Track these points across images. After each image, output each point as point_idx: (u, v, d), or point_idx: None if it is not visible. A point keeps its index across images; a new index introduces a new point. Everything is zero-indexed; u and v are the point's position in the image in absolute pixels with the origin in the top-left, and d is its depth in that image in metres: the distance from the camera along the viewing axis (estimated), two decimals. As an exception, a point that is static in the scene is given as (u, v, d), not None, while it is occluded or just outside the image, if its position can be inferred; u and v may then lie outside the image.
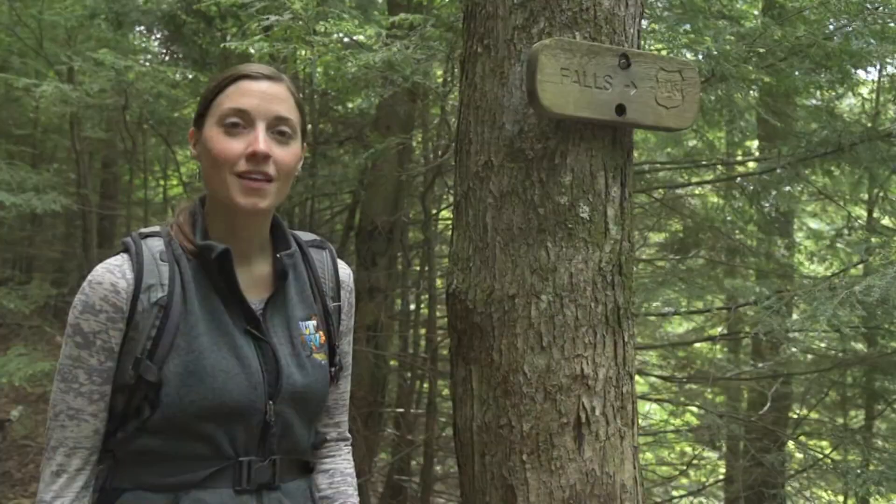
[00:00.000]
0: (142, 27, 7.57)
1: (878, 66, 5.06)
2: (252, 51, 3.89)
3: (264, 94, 1.52)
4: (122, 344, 1.46)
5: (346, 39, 4.54)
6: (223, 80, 1.55)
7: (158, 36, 8.05)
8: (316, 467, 1.71)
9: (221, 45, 5.25)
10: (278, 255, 1.59)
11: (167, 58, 7.58)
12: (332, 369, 1.65)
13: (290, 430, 1.56)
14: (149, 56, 9.11)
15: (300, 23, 3.78)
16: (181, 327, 1.46)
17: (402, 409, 6.61)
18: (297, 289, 1.63)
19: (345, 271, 1.74)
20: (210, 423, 1.46)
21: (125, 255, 1.51)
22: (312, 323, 1.62)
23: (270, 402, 1.51)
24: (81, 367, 1.46)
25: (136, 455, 1.48)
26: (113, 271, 1.47)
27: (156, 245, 1.52)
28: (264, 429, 1.51)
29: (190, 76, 6.82)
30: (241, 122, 1.50)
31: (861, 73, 4.36)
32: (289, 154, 1.53)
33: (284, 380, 1.52)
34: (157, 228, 1.57)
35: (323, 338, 1.63)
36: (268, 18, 3.83)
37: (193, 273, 1.51)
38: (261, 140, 1.49)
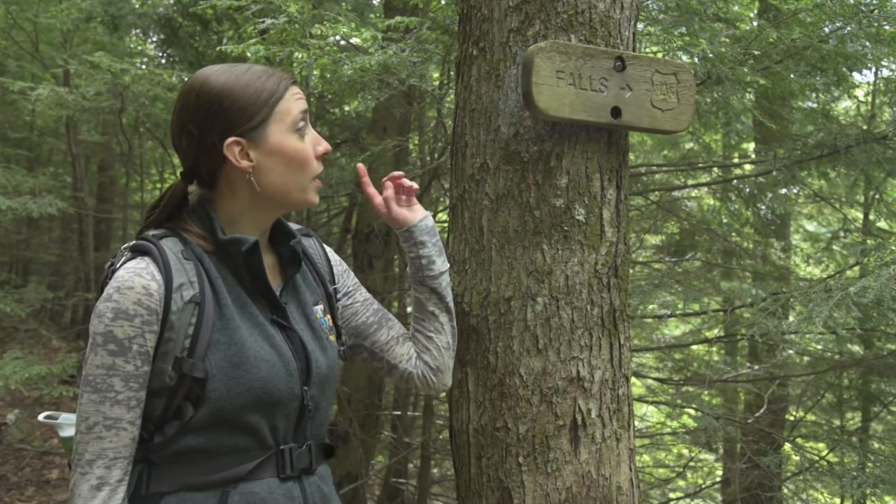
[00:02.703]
0: (138, 30, 7.57)
1: (873, 69, 5.07)
2: (248, 54, 3.88)
3: (303, 95, 1.61)
4: (156, 346, 1.46)
5: (342, 42, 4.54)
6: (279, 86, 1.55)
7: (154, 39, 8.05)
8: (414, 338, 1.82)
9: (217, 49, 5.25)
10: (290, 244, 1.64)
11: (163, 61, 7.59)
12: (341, 349, 1.73)
13: (319, 414, 1.61)
14: (145, 59, 9.11)
15: (296, 26, 3.78)
16: (216, 323, 1.48)
17: (398, 412, 6.62)
18: (302, 276, 1.69)
19: (330, 251, 1.84)
20: (255, 413, 1.48)
21: (147, 258, 1.49)
22: (320, 307, 1.68)
23: (305, 388, 1.56)
24: (117, 375, 1.43)
25: (174, 457, 1.47)
26: (141, 274, 1.45)
27: (173, 244, 1.52)
28: (301, 414, 1.56)
29: (186, 79, 6.82)
30: (305, 124, 1.57)
31: (857, 75, 4.37)
32: None
33: (314, 364, 1.58)
34: (163, 230, 1.56)
35: (331, 320, 1.70)
36: (264, 21, 3.83)
37: (217, 268, 1.53)
38: (321, 138, 1.61)
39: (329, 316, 1.70)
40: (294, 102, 1.56)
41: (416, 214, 1.78)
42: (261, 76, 1.55)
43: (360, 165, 1.82)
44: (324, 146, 1.60)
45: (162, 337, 1.45)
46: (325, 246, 1.83)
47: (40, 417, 1.60)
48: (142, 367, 1.44)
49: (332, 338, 1.68)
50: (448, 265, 1.81)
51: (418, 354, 1.78)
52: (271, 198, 1.58)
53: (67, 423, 1.63)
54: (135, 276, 1.45)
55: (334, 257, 1.83)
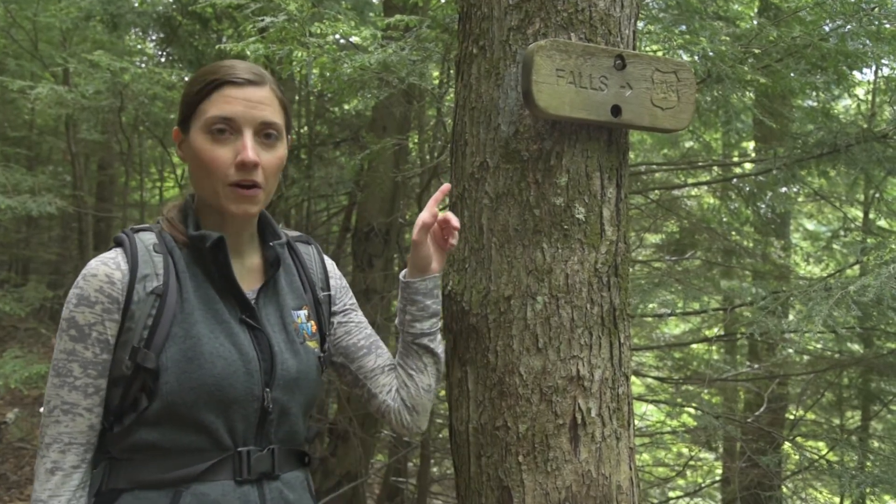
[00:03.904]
0: (137, 29, 7.56)
1: (873, 68, 5.07)
2: (248, 52, 3.88)
3: (249, 100, 1.53)
4: (117, 335, 1.47)
5: (341, 41, 4.54)
6: (206, 84, 1.54)
7: (154, 38, 8.04)
8: (398, 373, 1.78)
9: (217, 47, 5.24)
10: (270, 244, 1.63)
11: (163, 59, 7.58)
12: (321, 356, 1.69)
13: (286, 418, 1.58)
14: (144, 58, 9.10)
15: (295, 24, 3.78)
16: (177, 316, 1.48)
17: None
18: (287, 280, 1.68)
19: (330, 262, 1.83)
20: (209, 412, 1.47)
21: (118, 249, 1.53)
22: (304, 312, 1.67)
23: (267, 389, 1.53)
24: (76, 361, 1.46)
25: (132, 452, 1.47)
26: (107, 263, 1.49)
27: (148, 238, 1.55)
28: (262, 417, 1.53)
29: (186, 78, 6.82)
30: (227, 128, 1.52)
31: (857, 74, 4.37)
32: (275, 157, 1.57)
33: (279, 366, 1.55)
34: (147, 224, 1.60)
35: (314, 326, 1.69)
36: (263, 20, 3.82)
37: (187, 264, 1.54)
38: (249, 149, 1.50)
39: (313, 322, 1.69)
40: (217, 104, 1.51)
41: (432, 268, 1.75)
42: (209, 73, 1.55)
43: (447, 186, 1.78)
44: (242, 156, 1.49)
45: (123, 326, 1.47)
46: (326, 257, 1.83)
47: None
48: (100, 355, 1.47)
49: (313, 344, 1.66)
50: (436, 327, 1.78)
51: (397, 388, 1.77)
52: (202, 195, 1.59)
53: None
54: (100, 265, 1.48)
55: (334, 271, 1.83)
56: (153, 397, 1.45)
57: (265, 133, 1.55)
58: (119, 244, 1.54)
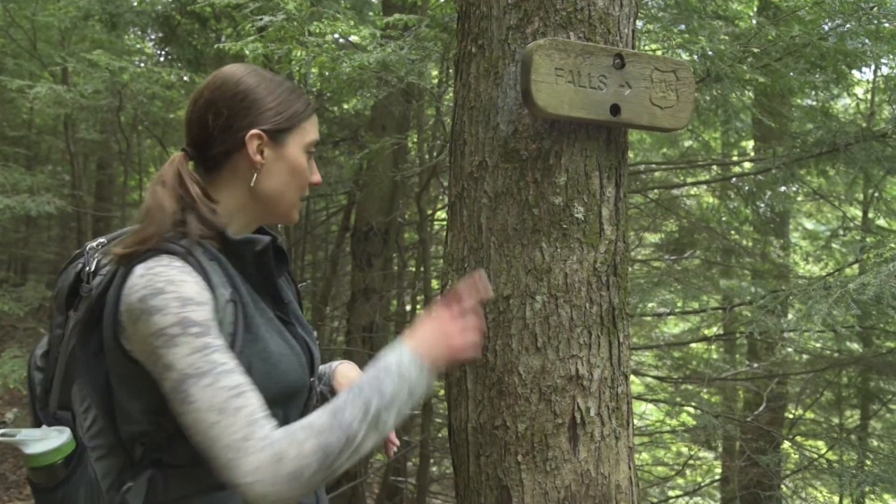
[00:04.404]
0: (136, 28, 7.55)
1: (873, 67, 5.07)
2: (247, 52, 3.88)
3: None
4: None
5: (340, 40, 4.53)
6: (307, 106, 1.64)
7: (153, 37, 8.03)
8: None
9: (216, 46, 5.24)
10: (278, 243, 1.65)
11: (162, 59, 7.58)
12: None
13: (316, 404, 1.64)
14: (143, 57, 9.09)
15: (294, 23, 3.78)
16: (244, 320, 1.48)
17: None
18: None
19: None
20: (276, 408, 1.46)
21: (176, 258, 1.44)
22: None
23: (313, 379, 1.61)
24: (215, 350, 1.36)
25: (193, 458, 1.41)
26: (185, 272, 1.41)
27: (190, 246, 1.49)
28: (307, 405, 1.60)
29: (185, 77, 6.81)
30: (313, 151, 1.66)
31: (856, 73, 4.37)
32: None
33: (315, 356, 1.63)
34: (171, 233, 1.50)
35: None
36: (262, 19, 3.82)
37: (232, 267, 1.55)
38: (317, 171, 1.69)
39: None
40: (313, 128, 1.64)
41: None
42: (294, 91, 1.64)
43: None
44: (317, 177, 1.67)
45: None
46: None
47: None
48: (224, 342, 1.40)
49: None
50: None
51: None
52: (263, 200, 1.59)
53: (32, 439, 1.47)
54: (179, 273, 1.40)
55: None
56: None
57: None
58: (173, 253, 1.45)
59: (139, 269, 1.41)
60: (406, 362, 1.46)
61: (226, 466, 1.32)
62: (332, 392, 1.77)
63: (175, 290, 1.37)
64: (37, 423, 1.56)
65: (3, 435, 1.45)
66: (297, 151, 1.61)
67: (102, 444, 1.50)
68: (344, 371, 1.84)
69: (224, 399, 1.33)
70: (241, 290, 1.50)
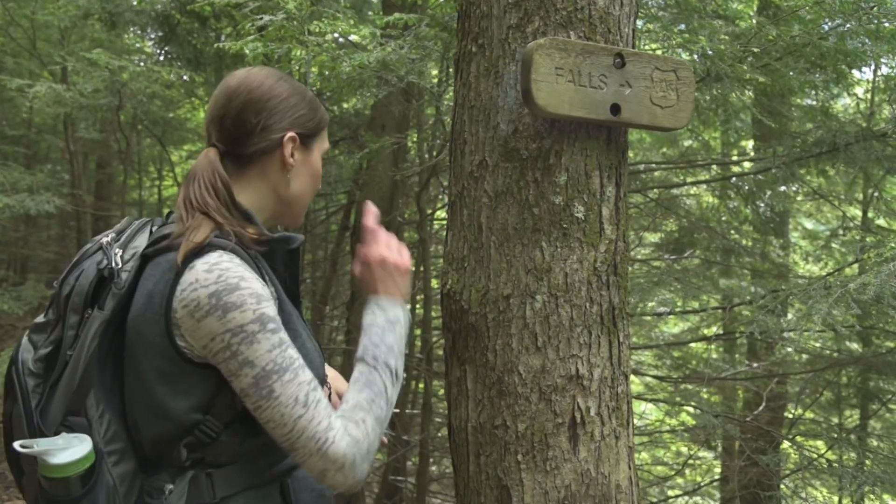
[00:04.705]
0: (136, 27, 7.55)
1: (872, 66, 5.07)
2: (246, 51, 3.87)
3: None
4: None
5: (340, 39, 4.53)
6: (326, 115, 1.73)
7: (152, 36, 8.03)
8: None
9: (216, 46, 5.24)
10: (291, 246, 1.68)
11: (161, 58, 7.57)
12: None
13: None
14: (143, 56, 9.09)
15: (294, 23, 3.77)
16: (282, 316, 1.48)
17: (397, 410, 6.61)
18: None
19: None
20: None
21: (230, 254, 1.45)
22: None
23: (326, 375, 1.66)
24: (289, 346, 1.43)
25: (238, 457, 1.47)
26: (245, 266, 1.45)
27: (227, 243, 1.49)
28: None
29: (184, 76, 6.81)
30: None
31: (856, 73, 4.37)
32: None
33: (324, 353, 1.69)
34: (208, 231, 1.48)
35: None
36: (262, 18, 3.82)
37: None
38: None
39: None
40: (327, 136, 1.73)
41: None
42: (314, 99, 1.71)
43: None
44: (320, 185, 1.75)
45: None
46: None
47: (16, 445, 1.37)
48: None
49: None
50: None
51: None
52: (286, 201, 1.66)
53: (56, 448, 1.39)
54: (241, 268, 1.43)
55: None
56: None
57: None
58: (226, 249, 1.45)
59: (201, 265, 1.41)
60: (390, 312, 1.63)
61: (315, 455, 1.40)
62: None
63: (248, 286, 1.40)
64: (32, 434, 1.47)
65: (22, 446, 1.40)
66: (318, 157, 1.69)
67: (117, 450, 1.47)
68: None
69: (305, 393, 1.41)
70: (277, 286, 1.54)
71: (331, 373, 1.87)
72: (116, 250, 1.53)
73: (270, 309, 1.41)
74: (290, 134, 1.61)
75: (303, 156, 1.65)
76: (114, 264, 1.50)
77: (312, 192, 1.71)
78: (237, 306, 1.38)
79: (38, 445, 1.40)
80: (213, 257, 1.42)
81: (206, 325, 1.38)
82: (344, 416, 1.45)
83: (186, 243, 1.44)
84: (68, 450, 1.39)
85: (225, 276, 1.39)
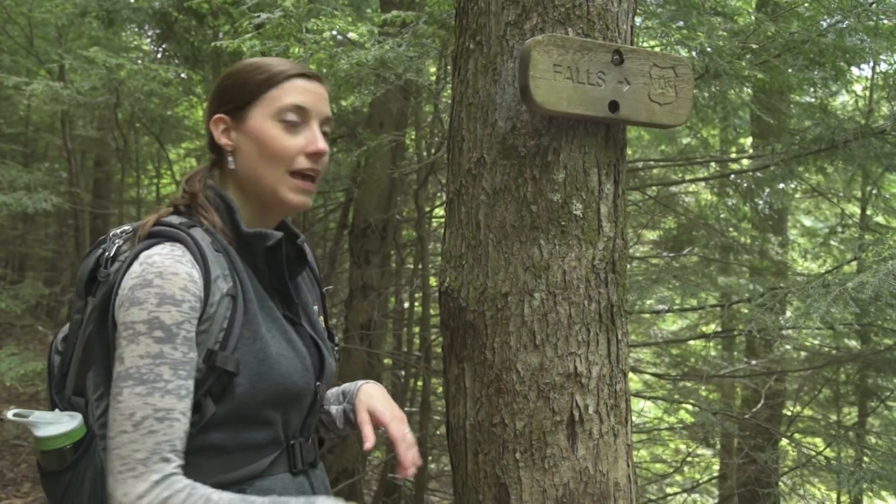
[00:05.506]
0: (133, 25, 7.54)
1: (871, 63, 5.07)
2: (244, 49, 3.87)
3: (318, 94, 1.58)
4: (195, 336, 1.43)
5: (338, 37, 4.52)
6: (277, 74, 1.55)
7: (150, 34, 8.02)
8: None
9: (213, 43, 5.23)
10: (298, 242, 1.63)
11: (159, 56, 7.56)
12: (336, 349, 1.73)
13: (320, 409, 1.64)
14: (140, 54, 9.07)
15: (292, 20, 3.77)
16: (244, 317, 1.46)
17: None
18: (302, 276, 1.70)
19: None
20: (273, 409, 1.47)
21: (180, 246, 1.44)
22: (316, 308, 1.69)
23: (318, 383, 1.57)
24: (165, 363, 1.36)
25: (192, 456, 1.42)
26: (182, 261, 1.41)
27: (202, 236, 1.49)
28: (310, 409, 1.57)
29: (182, 74, 6.80)
30: (298, 119, 1.54)
31: (855, 70, 4.36)
32: (328, 153, 1.61)
33: (326, 360, 1.59)
34: (186, 219, 1.52)
35: (324, 321, 1.71)
36: (259, 16, 3.81)
37: (239, 261, 1.52)
38: (320, 138, 1.55)
39: (322, 316, 1.71)
40: (290, 93, 1.54)
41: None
42: (274, 64, 1.57)
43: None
44: (315, 145, 1.55)
45: (198, 328, 1.42)
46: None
47: (8, 415, 1.45)
48: (188, 354, 1.38)
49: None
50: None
51: None
52: (247, 187, 1.57)
53: (43, 422, 1.47)
54: (176, 263, 1.40)
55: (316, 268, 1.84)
56: (222, 400, 1.42)
57: (324, 130, 1.59)
58: (176, 240, 1.45)
59: (141, 257, 1.42)
60: None
61: (114, 478, 1.34)
62: (354, 411, 1.70)
63: (161, 284, 1.37)
64: (52, 407, 1.55)
65: (16, 415, 1.45)
66: (260, 122, 1.54)
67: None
68: (368, 391, 1.74)
69: (145, 416, 1.34)
70: (245, 286, 1.49)
71: (374, 390, 1.75)
72: (118, 241, 1.54)
73: (171, 315, 1.36)
74: (214, 118, 1.56)
75: (239, 132, 1.55)
76: (108, 254, 1.51)
77: (271, 161, 1.54)
78: (138, 302, 1.37)
79: (32, 416, 1.47)
80: (156, 250, 1.42)
81: (120, 315, 1.39)
82: (188, 489, 1.35)
83: (139, 234, 1.47)
84: (54, 425, 1.44)
85: (147, 270, 1.39)
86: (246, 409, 1.44)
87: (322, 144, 1.55)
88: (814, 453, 5.41)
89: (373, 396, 1.71)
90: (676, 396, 6.46)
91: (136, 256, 1.42)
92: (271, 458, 1.49)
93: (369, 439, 1.62)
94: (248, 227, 1.55)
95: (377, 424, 1.66)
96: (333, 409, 1.73)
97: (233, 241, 1.53)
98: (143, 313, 1.36)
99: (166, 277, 1.38)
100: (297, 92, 1.55)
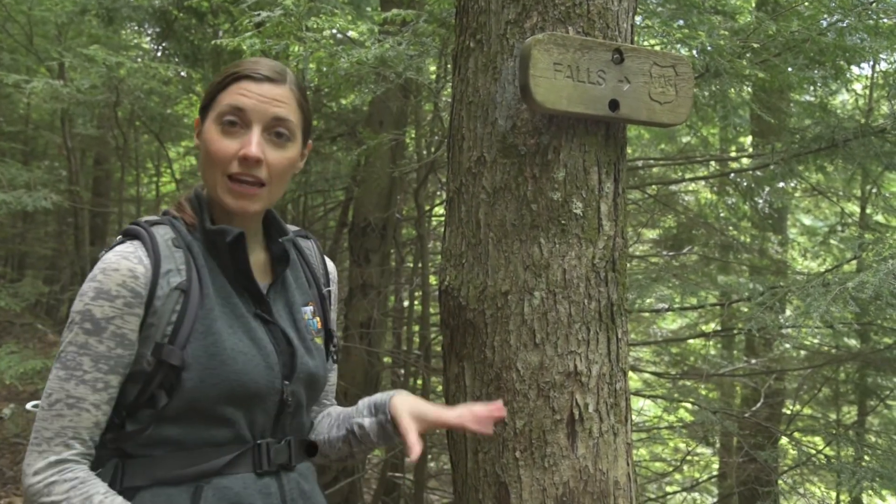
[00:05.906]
0: (133, 23, 7.53)
1: (871, 62, 5.06)
2: (244, 47, 3.86)
3: (264, 95, 1.53)
4: (139, 330, 1.44)
5: (338, 35, 4.52)
6: (227, 76, 1.55)
7: (150, 32, 8.02)
8: (314, 428, 1.73)
9: (213, 42, 5.23)
10: (280, 240, 1.62)
11: (159, 54, 7.56)
12: (333, 350, 1.71)
13: (300, 411, 1.60)
14: (140, 52, 9.07)
15: (292, 19, 3.76)
16: (199, 312, 1.46)
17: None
18: (294, 275, 1.67)
19: (330, 262, 1.80)
20: (231, 406, 1.46)
21: (136, 242, 1.48)
22: (310, 308, 1.66)
23: (286, 382, 1.53)
24: (87, 354, 1.41)
25: (150, 448, 1.45)
26: (128, 257, 1.44)
27: (165, 232, 1.51)
28: (280, 409, 1.54)
29: (182, 73, 6.80)
30: (238, 121, 1.51)
31: (855, 69, 4.36)
32: (284, 157, 1.54)
33: (299, 361, 1.56)
34: (156, 217, 1.55)
35: (320, 323, 1.68)
36: (259, 14, 3.81)
37: (203, 257, 1.52)
38: (254, 143, 1.49)
39: (318, 318, 1.68)
40: (233, 96, 1.52)
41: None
42: (232, 67, 1.57)
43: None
44: (245, 150, 1.49)
45: (145, 322, 1.44)
46: (325, 256, 1.81)
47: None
48: (114, 350, 1.42)
49: (319, 340, 1.66)
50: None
51: (322, 420, 1.74)
52: (207, 188, 1.58)
53: None
54: (121, 259, 1.44)
55: (334, 272, 1.80)
56: (174, 394, 1.43)
57: (276, 131, 1.53)
58: (136, 237, 1.49)
59: (103, 254, 1.49)
60: None
61: (28, 447, 1.42)
62: (391, 422, 1.61)
63: (102, 279, 1.43)
64: None
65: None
66: (208, 125, 1.54)
67: None
68: (404, 399, 1.63)
69: (58, 399, 1.41)
70: (203, 281, 1.49)
71: (410, 398, 1.64)
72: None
73: (102, 309, 1.41)
74: (196, 119, 1.60)
75: (200, 135, 1.57)
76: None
77: (211, 165, 1.52)
78: (80, 294, 1.44)
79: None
80: (116, 248, 1.48)
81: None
82: (79, 479, 1.39)
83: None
84: None
85: (98, 266, 1.45)
86: (198, 403, 1.43)
87: (253, 150, 1.49)
88: (813, 452, 5.41)
89: (413, 403, 1.63)
90: (676, 395, 6.46)
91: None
92: (232, 456, 1.47)
93: (415, 450, 1.52)
94: (223, 224, 1.55)
95: (434, 427, 1.60)
96: (367, 421, 1.65)
97: (202, 238, 1.54)
98: (80, 304, 1.43)
99: (107, 273, 1.43)
100: (238, 93, 1.52)
